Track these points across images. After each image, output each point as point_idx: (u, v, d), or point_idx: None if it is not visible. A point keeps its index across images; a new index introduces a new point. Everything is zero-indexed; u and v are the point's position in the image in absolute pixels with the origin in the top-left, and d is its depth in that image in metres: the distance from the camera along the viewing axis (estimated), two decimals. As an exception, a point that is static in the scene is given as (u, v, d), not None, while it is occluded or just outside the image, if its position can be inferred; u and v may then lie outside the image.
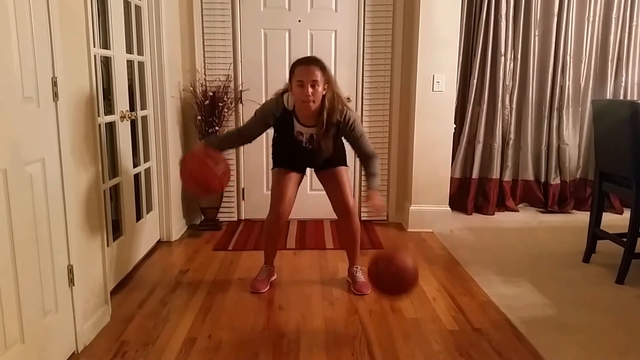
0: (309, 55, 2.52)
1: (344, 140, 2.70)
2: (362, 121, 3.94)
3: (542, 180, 4.49)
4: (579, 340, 2.23)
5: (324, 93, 2.44)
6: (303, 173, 2.79)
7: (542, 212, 4.47)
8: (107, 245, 2.45)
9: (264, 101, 3.89)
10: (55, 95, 1.91)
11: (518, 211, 4.46)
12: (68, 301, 2.04)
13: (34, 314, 1.80)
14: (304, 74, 2.38)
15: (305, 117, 2.51)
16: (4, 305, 1.63)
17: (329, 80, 2.46)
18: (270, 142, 2.84)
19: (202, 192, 2.64)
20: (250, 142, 2.72)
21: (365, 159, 2.63)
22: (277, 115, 2.53)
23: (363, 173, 3.90)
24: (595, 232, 3.14)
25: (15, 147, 1.68)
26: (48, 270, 1.89)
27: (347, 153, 2.77)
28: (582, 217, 4.15)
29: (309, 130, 2.55)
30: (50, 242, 1.91)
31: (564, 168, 4.45)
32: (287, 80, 2.52)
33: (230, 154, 3.92)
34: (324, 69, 2.43)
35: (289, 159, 2.70)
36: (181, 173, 2.50)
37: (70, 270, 2.04)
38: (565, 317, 2.45)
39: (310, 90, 2.37)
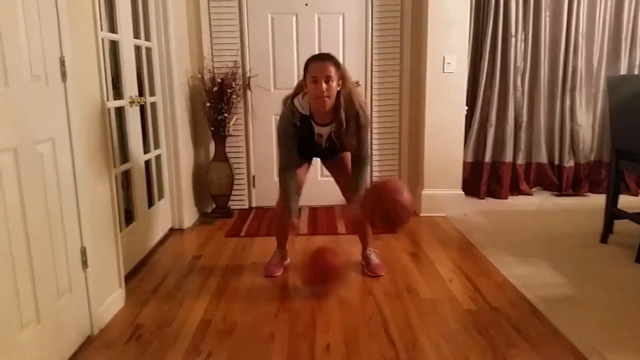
0: (321, 52, 2.50)
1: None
2: (371, 105, 3.91)
3: (556, 163, 4.42)
4: (598, 317, 2.19)
5: (338, 89, 2.42)
6: (311, 161, 2.79)
7: (557, 196, 4.40)
8: (120, 231, 2.43)
9: (272, 86, 3.92)
10: (64, 75, 1.89)
11: (532, 195, 4.40)
12: (82, 283, 2.03)
13: (48, 295, 1.78)
14: (318, 70, 2.37)
15: (321, 115, 2.49)
16: (19, 284, 1.62)
17: (343, 77, 2.44)
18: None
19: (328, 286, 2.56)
20: (300, 166, 2.63)
21: (357, 161, 2.58)
22: (297, 124, 2.50)
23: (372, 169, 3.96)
24: (612, 212, 3.08)
25: (24, 126, 1.66)
26: (61, 252, 1.88)
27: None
28: (597, 200, 4.09)
29: (327, 130, 2.54)
30: (62, 224, 1.89)
31: (578, 150, 4.38)
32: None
33: (239, 142, 3.92)
34: (337, 65, 2.42)
35: (302, 152, 2.67)
36: (313, 278, 2.47)
37: (83, 252, 2.03)
38: (584, 296, 2.41)
39: (324, 85, 2.35)
